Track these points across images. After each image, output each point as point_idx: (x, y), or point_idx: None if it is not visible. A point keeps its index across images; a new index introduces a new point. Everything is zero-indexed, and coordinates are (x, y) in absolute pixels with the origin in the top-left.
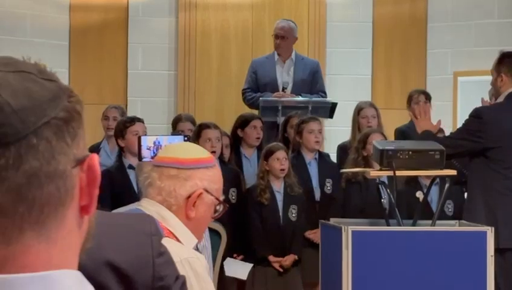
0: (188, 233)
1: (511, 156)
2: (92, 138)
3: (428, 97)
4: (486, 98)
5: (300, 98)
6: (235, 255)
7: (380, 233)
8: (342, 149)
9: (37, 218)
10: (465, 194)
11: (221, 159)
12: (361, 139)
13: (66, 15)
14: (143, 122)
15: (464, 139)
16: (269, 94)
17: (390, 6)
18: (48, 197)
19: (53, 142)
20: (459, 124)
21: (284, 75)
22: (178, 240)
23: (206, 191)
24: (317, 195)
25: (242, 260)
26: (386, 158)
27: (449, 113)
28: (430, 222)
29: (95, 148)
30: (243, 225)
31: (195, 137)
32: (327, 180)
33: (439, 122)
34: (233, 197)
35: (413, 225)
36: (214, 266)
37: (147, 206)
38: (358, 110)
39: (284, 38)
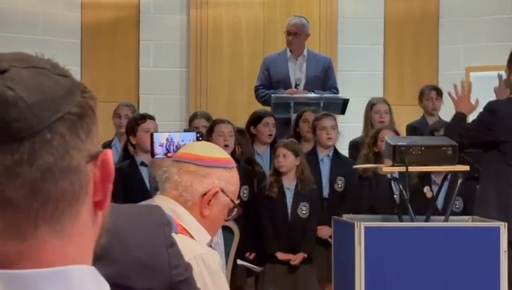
0: (201, 230)
1: None
2: (103, 136)
3: (439, 93)
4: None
5: (312, 95)
6: (247, 254)
7: (392, 229)
8: (354, 146)
9: (51, 213)
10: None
11: (234, 157)
12: (372, 135)
13: (77, 13)
14: (154, 119)
15: (478, 130)
16: (282, 91)
17: (402, 2)
18: (62, 193)
19: (67, 138)
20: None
21: (297, 71)
22: (191, 237)
23: (222, 191)
24: (326, 192)
25: (254, 258)
26: (398, 154)
27: None
28: (441, 217)
29: (106, 146)
30: (254, 221)
31: (209, 132)
32: (339, 177)
33: (477, 101)
34: (245, 195)
35: (426, 220)
36: (226, 262)
37: (160, 202)
38: (371, 106)
39: (296, 35)
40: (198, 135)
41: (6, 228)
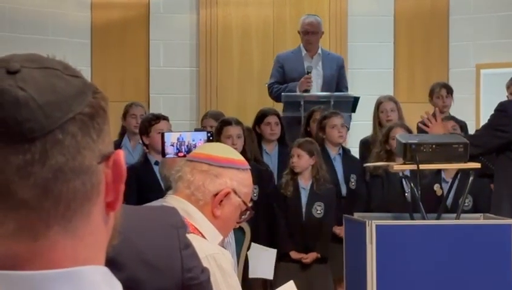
0: (213, 229)
1: None
2: (113, 135)
3: (450, 90)
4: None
5: (322, 93)
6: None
7: (404, 227)
8: (364, 144)
9: (63, 213)
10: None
11: (244, 156)
12: (384, 133)
13: (87, 13)
14: (168, 120)
15: (490, 135)
16: (293, 84)
17: None
18: (74, 193)
19: (78, 138)
20: (482, 117)
21: (313, 70)
22: (203, 237)
23: (235, 192)
24: (344, 190)
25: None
26: (409, 152)
27: (472, 106)
28: (452, 215)
29: (117, 146)
30: (267, 221)
31: (217, 134)
32: (351, 175)
33: (451, 124)
34: (255, 195)
35: (437, 218)
36: (238, 262)
37: (172, 202)
38: (378, 104)
39: (313, 33)
40: (209, 134)
41: (18, 228)
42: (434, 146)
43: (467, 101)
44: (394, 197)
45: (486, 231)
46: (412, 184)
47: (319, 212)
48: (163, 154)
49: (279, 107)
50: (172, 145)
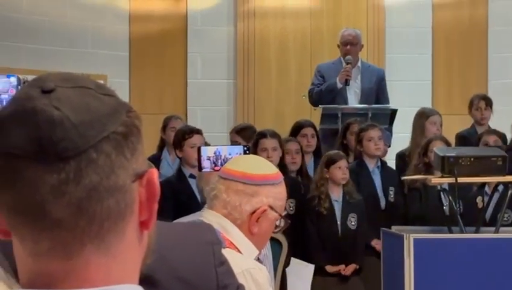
0: (249, 244)
1: None
2: (151, 148)
3: (489, 102)
4: None
5: (360, 105)
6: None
7: (442, 241)
8: (401, 157)
9: (97, 232)
10: None
11: (284, 164)
12: (423, 146)
13: (126, 26)
14: (201, 133)
15: None
16: (332, 83)
17: (450, 10)
18: (107, 212)
19: (112, 157)
20: None
21: (352, 82)
22: (239, 251)
23: (271, 207)
24: (383, 203)
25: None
26: (447, 165)
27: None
28: (491, 229)
29: (156, 159)
30: (301, 235)
31: (254, 146)
32: (390, 188)
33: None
34: (291, 209)
35: (476, 232)
36: (275, 275)
37: (209, 217)
38: (427, 116)
39: (353, 45)
40: (245, 148)
41: (52, 247)
42: (472, 159)
43: (507, 113)
44: (432, 210)
45: None
46: (450, 197)
47: (353, 223)
48: (200, 168)
49: (316, 119)
50: (209, 159)
